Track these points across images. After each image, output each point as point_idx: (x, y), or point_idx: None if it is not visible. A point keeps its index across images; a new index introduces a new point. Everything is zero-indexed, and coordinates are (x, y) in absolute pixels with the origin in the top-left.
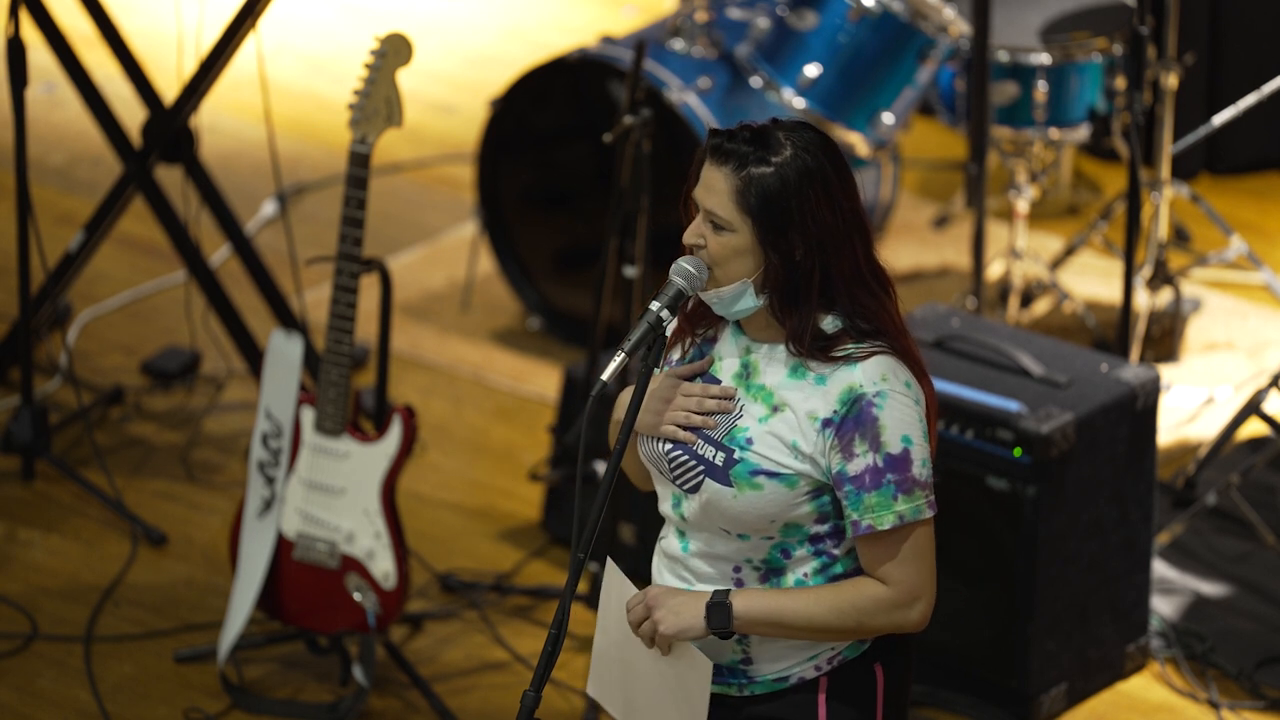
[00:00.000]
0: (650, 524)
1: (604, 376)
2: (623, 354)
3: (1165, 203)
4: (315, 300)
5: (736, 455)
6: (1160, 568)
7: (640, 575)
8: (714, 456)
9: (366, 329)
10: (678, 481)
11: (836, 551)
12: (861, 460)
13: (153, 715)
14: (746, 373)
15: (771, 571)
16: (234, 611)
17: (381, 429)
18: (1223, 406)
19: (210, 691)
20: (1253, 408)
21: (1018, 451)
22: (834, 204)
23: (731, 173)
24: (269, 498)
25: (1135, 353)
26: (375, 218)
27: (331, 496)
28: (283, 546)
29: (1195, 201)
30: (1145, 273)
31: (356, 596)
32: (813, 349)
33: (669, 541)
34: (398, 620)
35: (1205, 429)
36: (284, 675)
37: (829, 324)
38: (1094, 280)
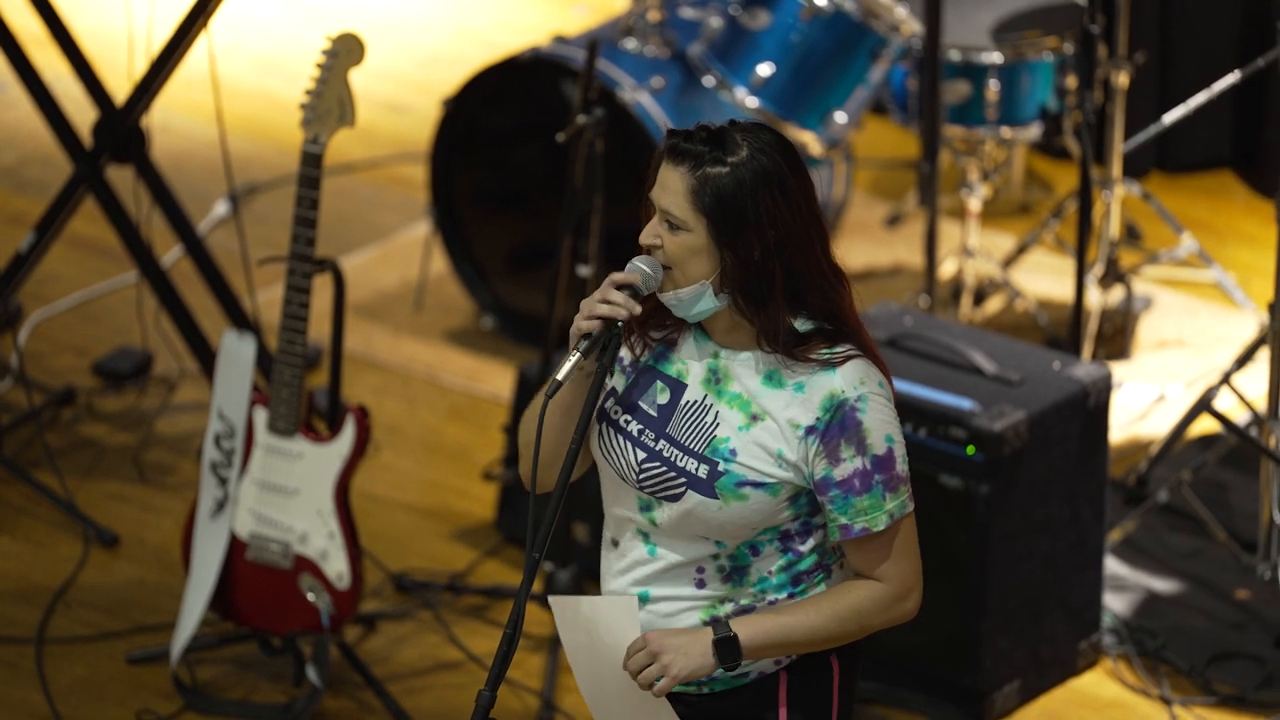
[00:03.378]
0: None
1: (558, 376)
2: (577, 354)
3: (1117, 201)
4: (268, 300)
5: (721, 468)
6: (1112, 565)
7: (595, 577)
8: (697, 469)
9: (319, 329)
10: (650, 492)
11: (802, 549)
12: (849, 465)
13: (105, 717)
14: (716, 378)
15: (736, 570)
16: (187, 612)
17: (335, 429)
18: (1174, 404)
19: (163, 693)
20: (1204, 405)
21: (970, 449)
22: (791, 204)
23: (687, 172)
24: (222, 498)
25: (1087, 351)
26: (328, 217)
27: (285, 497)
28: (236, 547)
29: (1146, 199)
30: (1097, 271)
31: (310, 597)
32: (786, 348)
33: (630, 545)
34: (351, 620)
35: (1157, 426)
36: (237, 676)
37: (800, 324)
38: (1046, 278)
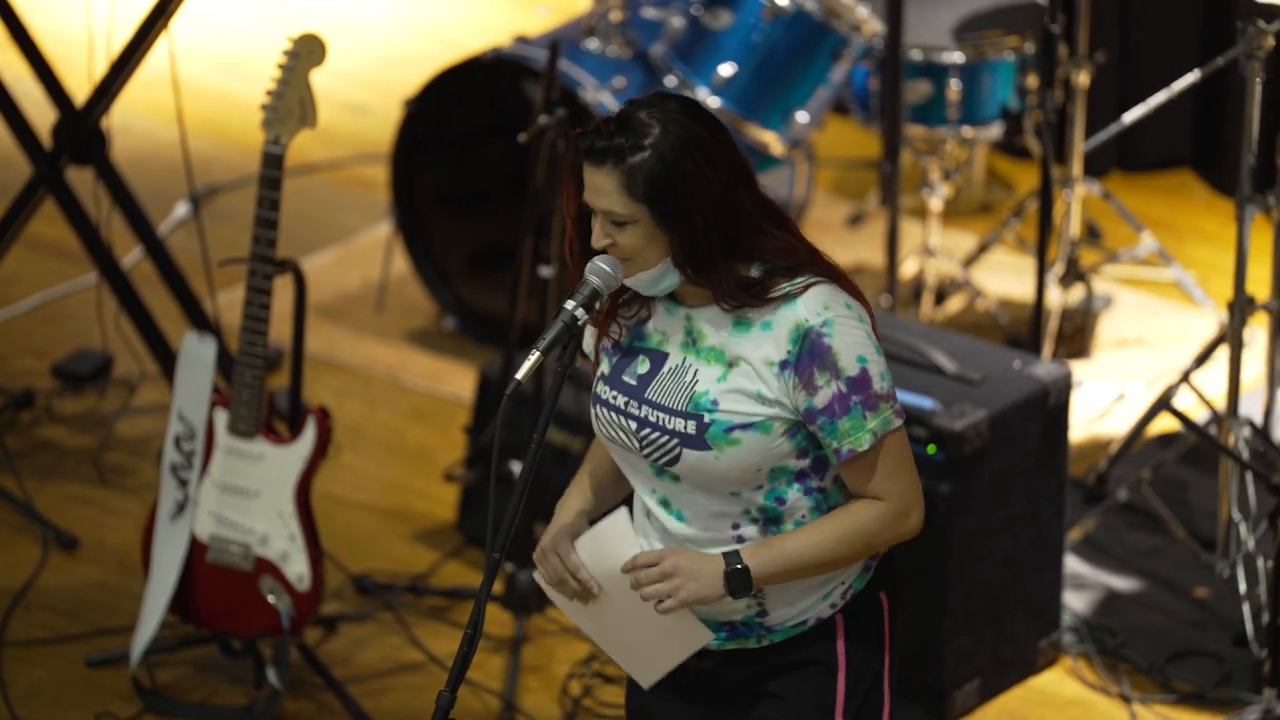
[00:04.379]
0: None
1: (519, 376)
2: (537, 353)
3: (1077, 200)
4: (229, 302)
5: (707, 419)
6: (1072, 563)
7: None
8: (685, 426)
9: (280, 330)
10: (652, 459)
11: (825, 484)
12: (826, 391)
13: None
14: (691, 339)
15: (769, 521)
16: (146, 615)
17: (296, 431)
18: (1134, 402)
19: (123, 696)
20: (1163, 404)
21: (931, 449)
22: (713, 162)
23: (612, 169)
24: (182, 500)
25: (1047, 350)
26: (289, 218)
27: (245, 499)
28: (196, 549)
29: (1107, 199)
30: (1057, 270)
31: (270, 599)
32: (746, 299)
33: (661, 515)
34: (312, 622)
35: (1117, 425)
36: (197, 678)
37: (755, 270)
38: (1007, 277)
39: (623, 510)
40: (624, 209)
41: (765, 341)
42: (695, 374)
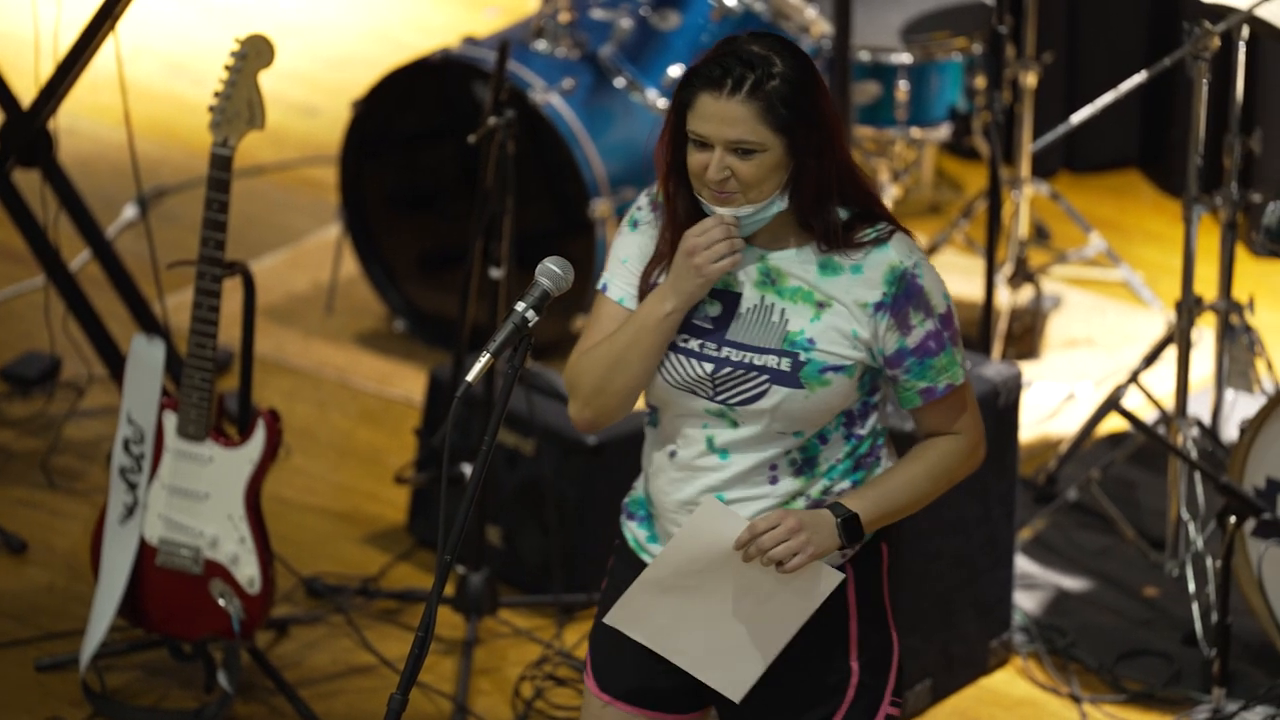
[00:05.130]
0: (520, 528)
1: (469, 378)
2: (488, 355)
3: (1025, 200)
4: (177, 304)
5: (803, 357)
6: (1022, 563)
7: (508, 580)
8: (779, 363)
9: (230, 333)
10: (727, 399)
11: (862, 432)
12: (920, 330)
13: None
14: (770, 279)
15: (806, 461)
16: (96, 619)
17: (245, 433)
18: (1083, 403)
19: (72, 700)
20: (1112, 404)
21: None
22: (827, 95)
23: (747, 98)
24: (131, 504)
25: (997, 350)
26: (238, 220)
27: (195, 501)
28: (145, 553)
29: (1055, 199)
30: (1006, 270)
31: (221, 602)
32: (841, 240)
33: (696, 455)
34: (263, 625)
35: (1066, 425)
36: (148, 682)
37: (844, 214)
38: (956, 278)
39: (709, 498)
40: (760, 137)
41: (857, 284)
42: (783, 313)
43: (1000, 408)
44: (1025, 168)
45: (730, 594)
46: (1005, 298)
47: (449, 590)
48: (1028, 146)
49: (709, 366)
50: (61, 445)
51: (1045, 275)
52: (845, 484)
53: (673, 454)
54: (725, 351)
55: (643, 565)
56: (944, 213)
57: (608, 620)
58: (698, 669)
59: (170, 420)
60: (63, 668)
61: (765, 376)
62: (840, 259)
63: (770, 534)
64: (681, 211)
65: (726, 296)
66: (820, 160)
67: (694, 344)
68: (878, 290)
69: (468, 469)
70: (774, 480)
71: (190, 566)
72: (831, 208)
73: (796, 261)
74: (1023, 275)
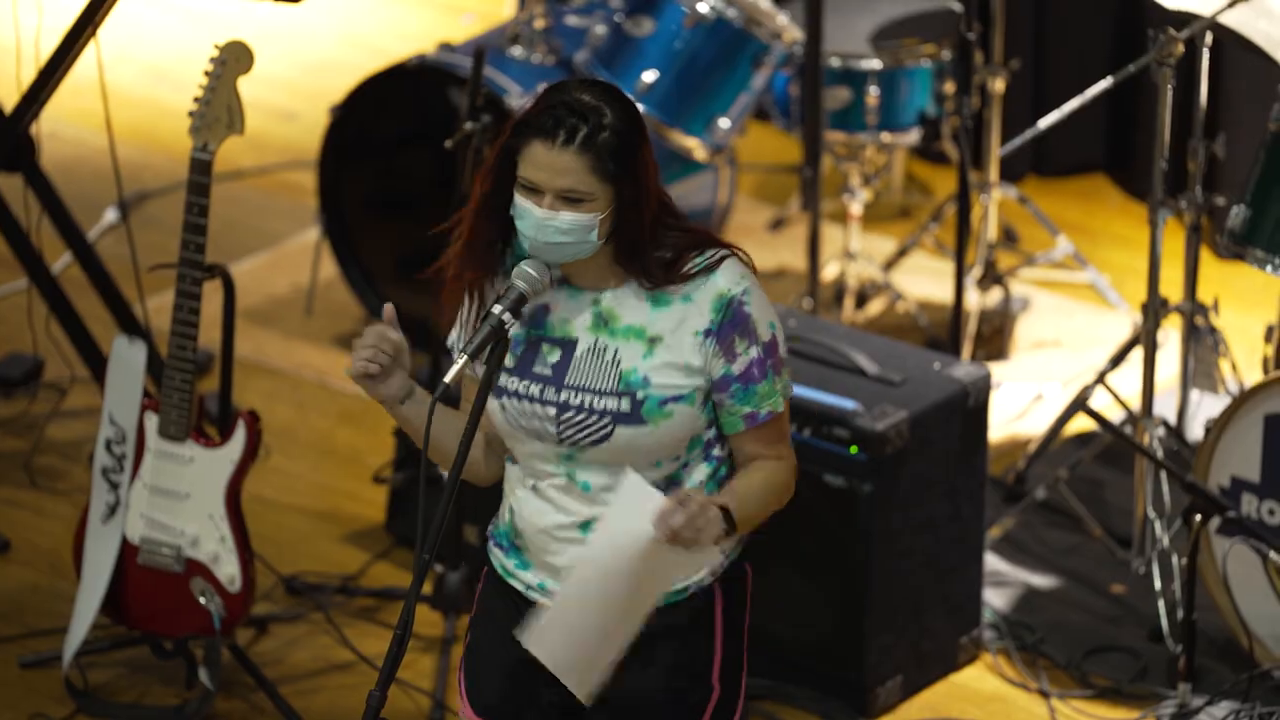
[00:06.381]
0: None
1: (446, 379)
2: (465, 357)
3: (994, 204)
4: (158, 306)
5: (639, 395)
6: (992, 561)
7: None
8: (619, 405)
9: (210, 335)
10: (573, 440)
11: (721, 454)
12: (745, 357)
13: None
14: (604, 321)
15: (671, 487)
16: (79, 616)
17: (226, 434)
18: (1051, 403)
19: (55, 697)
20: (1079, 404)
21: (854, 449)
22: (648, 140)
23: (579, 150)
24: (113, 503)
25: (967, 351)
26: (218, 224)
27: (176, 501)
28: (127, 551)
29: (1023, 203)
30: (975, 273)
31: (202, 600)
32: (667, 276)
33: (557, 489)
34: (243, 623)
35: (1034, 425)
36: (129, 679)
37: (666, 252)
38: (926, 280)
39: (630, 470)
40: (589, 187)
41: (688, 313)
42: (616, 353)
43: (970, 408)
44: (994, 172)
45: (613, 582)
46: (974, 300)
47: (427, 588)
48: (996, 151)
49: (551, 411)
50: (44, 445)
51: (1013, 278)
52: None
53: (534, 487)
54: (565, 395)
55: (511, 590)
56: (914, 216)
57: (526, 644)
58: (557, 668)
59: (151, 421)
60: (46, 665)
61: (608, 419)
62: (670, 292)
63: (689, 512)
64: (480, 247)
65: (563, 343)
66: (638, 208)
67: (534, 390)
68: (706, 317)
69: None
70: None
71: (172, 565)
72: (648, 250)
73: (627, 301)
74: (991, 278)
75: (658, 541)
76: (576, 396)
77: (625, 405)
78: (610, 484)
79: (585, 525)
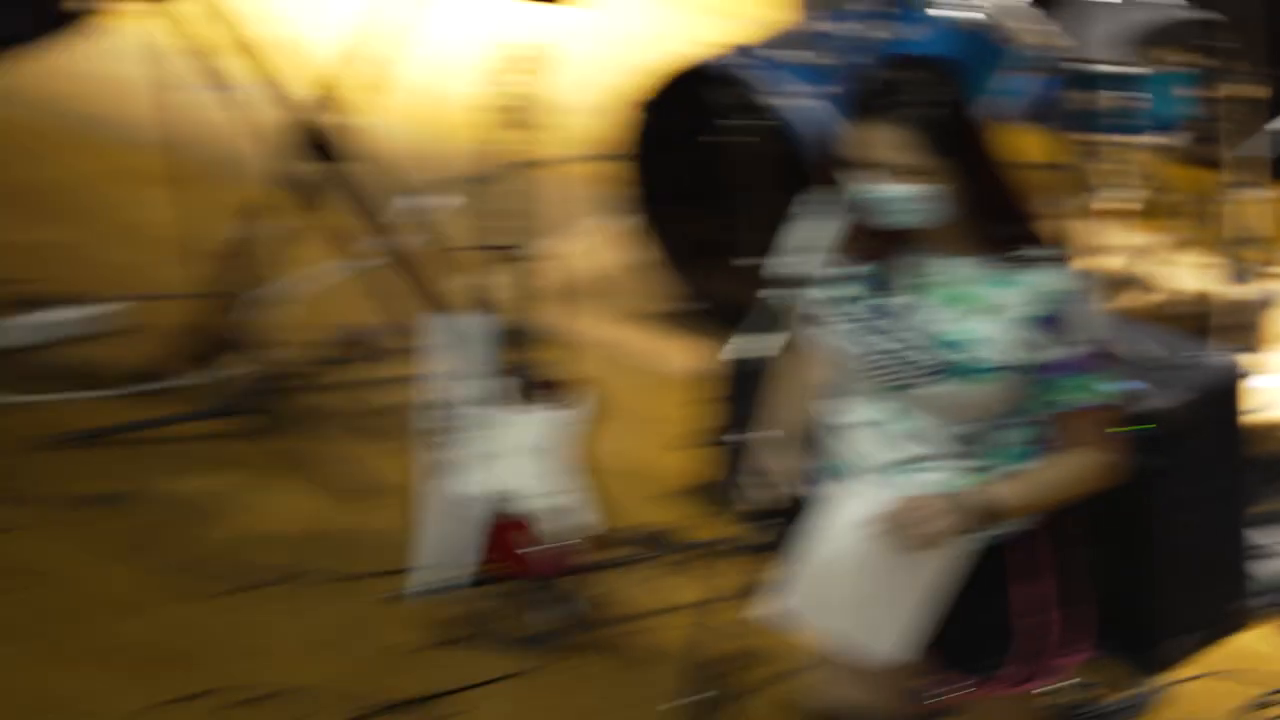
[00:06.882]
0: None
1: (749, 353)
2: (759, 334)
3: (1246, 202)
4: (491, 284)
5: (959, 357)
6: (1258, 535)
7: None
8: (935, 362)
9: (535, 310)
10: (894, 385)
11: (1028, 435)
12: (1071, 349)
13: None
14: (940, 284)
15: (978, 445)
16: (435, 561)
17: (560, 401)
18: None
19: (420, 625)
20: None
21: (1141, 427)
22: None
23: (909, 126)
24: (459, 461)
25: (1219, 341)
26: (533, 210)
27: (522, 459)
28: (481, 504)
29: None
30: (1228, 268)
31: (544, 547)
32: (1007, 254)
33: (869, 429)
34: (581, 571)
35: None
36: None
37: (1010, 230)
38: (1178, 275)
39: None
40: (922, 162)
41: (1021, 297)
42: (942, 315)
43: (1236, 393)
44: (1251, 172)
45: (857, 555)
46: (1227, 293)
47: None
48: (1252, 153)
49: (878, 356)
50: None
51: (1263, 275)
52: (1013, 468)
53: (855, 427)
54: (894, 345)
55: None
56: (1168, 213)
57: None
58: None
59: (494, 387)
60: (412, 598)
61: (920, 371)
62: (1008, 271)
63: (919, 510)
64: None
65: (896, 294)
66: (987, 175)
67: (863, 325)
68: (1040, 305)
69: (753, 436)
70: (950, 456)
71: (520, 516)
72: (1000, 224)
73: (965, 271)
74: (1243, 273)
75: (884, 528)
76: (905, 350)
77: (943, 362)
78: (929, 435)
79: (900, 467)
